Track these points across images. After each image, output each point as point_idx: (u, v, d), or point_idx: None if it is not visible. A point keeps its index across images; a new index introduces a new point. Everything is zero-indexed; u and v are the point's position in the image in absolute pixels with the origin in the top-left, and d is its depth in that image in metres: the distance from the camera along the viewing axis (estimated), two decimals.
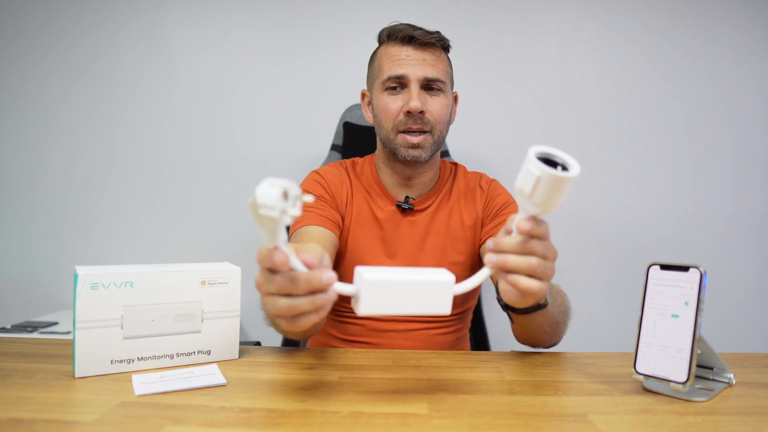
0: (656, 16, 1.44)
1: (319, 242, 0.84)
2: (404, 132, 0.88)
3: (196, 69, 1.47)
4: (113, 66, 1.48)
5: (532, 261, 0.50)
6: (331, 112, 1.41)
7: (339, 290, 0.47)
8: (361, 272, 0.47)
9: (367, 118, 0.98)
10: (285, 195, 0.41)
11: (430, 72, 0.88)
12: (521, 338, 0.76)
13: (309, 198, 0.43)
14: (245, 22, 1.46)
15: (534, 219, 0.50)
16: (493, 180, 1.00)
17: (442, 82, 0.89)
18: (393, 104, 0.88)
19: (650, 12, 1.44)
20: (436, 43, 0.90)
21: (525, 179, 0.48)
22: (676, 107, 1.46)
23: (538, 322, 0.68)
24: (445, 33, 0.94)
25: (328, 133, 1.40)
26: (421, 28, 0.90)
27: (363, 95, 1.00)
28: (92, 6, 1.46)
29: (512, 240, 0.51)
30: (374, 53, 0.96)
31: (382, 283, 0.47)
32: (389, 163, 0.94)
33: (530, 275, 0.51)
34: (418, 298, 0.48)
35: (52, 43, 1.48)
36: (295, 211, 0.42)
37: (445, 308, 0.49)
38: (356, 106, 1.21)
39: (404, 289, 0.48)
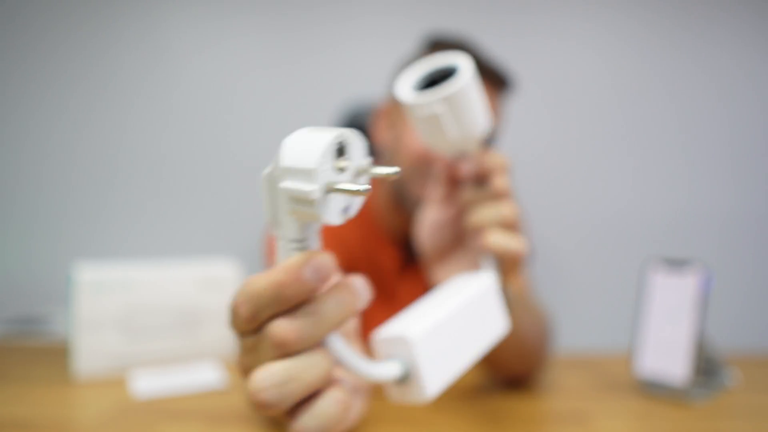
0: (658, 19, 1.44)
1: None
2: (429, 181, 0.69)
3: (196, 68, 1.47)
4: (113, 66, 1.47)
5: (501, 210, 0.37)
6: (330, 110, 1.41)
7: (372, 375, 0.25)
8: (394, 336, 0.27)
9: (380, 141, 0.77)
10: (340, 152, 0.21)
11: (491, 122, 0.70)
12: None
13: (391, 170, 0.22)
14: (245, 22, 1.46)
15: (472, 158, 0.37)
16: None
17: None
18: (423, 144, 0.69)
19: (652, 16, 1.44)
20: (508, 83, 0.72)
21: (426, 130, 0.34)
22: (677, 107, 1.46)
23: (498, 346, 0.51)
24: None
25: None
26: (488, 59, 0.70)
27: (384, 113, 0.76)
28: (91, 9, 1.46)
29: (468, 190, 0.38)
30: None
31: (435, 335, 0.28)
32: (394, 205, 0.77)
33: (505, 227, 0.37)
34: (474, 330, 0.31)
35: (52, 45, 1.48)
36: (345, 203, 0.22)
37: (504, 324, 0.34)
38: (357, 108, 1.21)
39: (458, 326, 0.30)
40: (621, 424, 0.47)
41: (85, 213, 1.48)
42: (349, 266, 0.77)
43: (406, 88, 0.35)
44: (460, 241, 0.43)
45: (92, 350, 0.57)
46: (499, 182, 0.37)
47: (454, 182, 0.40)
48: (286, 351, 0.21)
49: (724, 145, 1.46)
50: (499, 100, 0.75)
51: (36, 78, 1.47)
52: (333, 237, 0.76)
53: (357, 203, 0.22)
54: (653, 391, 0.56)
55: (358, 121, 1.18)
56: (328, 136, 0.20)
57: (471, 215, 0.38)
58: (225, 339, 0.65)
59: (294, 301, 0.21)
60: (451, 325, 0.29)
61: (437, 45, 0.72)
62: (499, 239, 0.37)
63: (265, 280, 0.21)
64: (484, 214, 0.37)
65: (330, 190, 0.20)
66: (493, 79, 0.71)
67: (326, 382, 0.23)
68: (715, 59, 1.45)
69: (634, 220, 1.46)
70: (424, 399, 0.26)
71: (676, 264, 0.57)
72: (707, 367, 0.60)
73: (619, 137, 1.46)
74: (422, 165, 0.68)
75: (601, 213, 1.46)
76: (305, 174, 0.20)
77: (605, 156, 1.46)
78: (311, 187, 0.20)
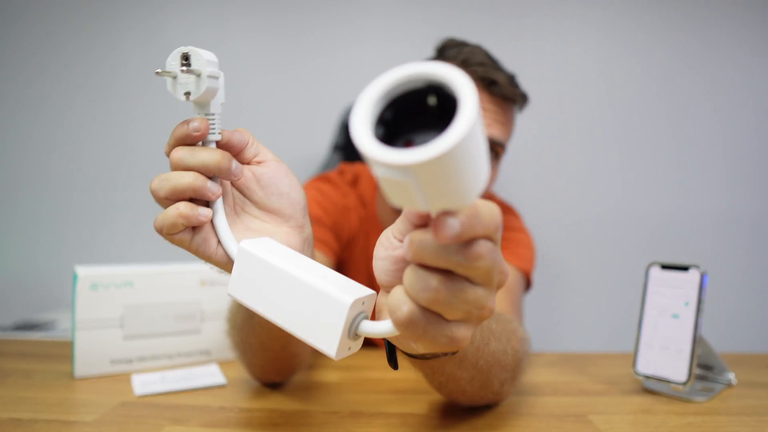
0: (655, 21, 1.44)
1: None
2: None
3: None
4: (115, 69, 1.48)
5: (429, 283, 0.26)
6: (331, 111, 1.41)
7: (223, 235, 0.37)
8: (245, 241, 0.36)
9: None
10: (185, 60, 0.35)
11: (499, 134, 0.70)
12: (429, 384, 0.46)
13: (216, 81, 0.36)
14: (245, 24, 1.46)
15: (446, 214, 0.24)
16: (516, 224, 0.83)
17: (503, 146, 0.73)
18: None
19: (649, 17, 1.44)
20: (518, 99, 0.72)
21: (394, 195, 0.23)
22: (675, 110, 1.46)
23: (446, 372, 0.41)
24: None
25: (328, 133, 1.40)
26: (502, 68, 0.70)
27: None
28: (95, 12, 1.47)
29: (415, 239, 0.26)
30: None
31: (258, 263, 0.34)
32: (395, 213, 0.78)
33: (428, 309, 0.27)
34: (300, 312, 0.32)
35: (57, 48, 1.48)
36: (193, 87, 0.35)
37: (329, 345, 0.31)
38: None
39: (284, 285, 0.33)
40: (621, 424, 0.47)
41: (88, 218, 1.48)
42: (345, 244, 0.80)
43: (364, 120, 0.22)
44: None
45: (92, 350, 0.57)
46: (479, 251, 0.25)
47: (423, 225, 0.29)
48: (174, 167, 0.36)
49: (721, 147, 1.46)
50: (512, 114, 0.74)
51: (39, 82, 1.47)
52: (335, 208, 0.79)
53: (197, 92, 0.35)
54: (653, 390, 0.56)
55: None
56: (180, 48, 0.35)
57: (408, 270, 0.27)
58: (225, 339, 0.65)
59: (182, 141, 0.36)
60: (276, 273, 0.33)
61: (448, 47, 0.72)
62: (394, 299, 0.28)
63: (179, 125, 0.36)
64: (412, 279, 0.27)
65: (168, 75, 0.35)
66: (512, 96, 0.71)
67: (189, 194, 0.35)
68: (710, 62, 1.45)
69: (633, 222, 1.46)
70: (228, 292, 0.36)
71: (675, 266, 0.57)
72: (706, 366, 0.60)
73: (617, 140, 1.46)
74: None
75: (600, 215, 1.46)
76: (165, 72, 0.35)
77: (603, 158, 1.46)
78: (158, 70, 0.35)
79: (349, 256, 0.80)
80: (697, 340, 0.54)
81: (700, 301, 0.55)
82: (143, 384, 0.54)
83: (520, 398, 0.53)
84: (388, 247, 0.31)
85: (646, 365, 0.56)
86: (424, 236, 0.26)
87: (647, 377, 0.56)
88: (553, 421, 0.48)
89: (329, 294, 0.31)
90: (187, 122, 0.35)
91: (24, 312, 1.44)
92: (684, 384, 0.53)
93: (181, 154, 0.35)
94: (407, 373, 0.61)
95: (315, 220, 0.76)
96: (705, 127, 1.46)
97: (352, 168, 0.89)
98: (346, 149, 1.18)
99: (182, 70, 0.35)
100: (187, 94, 0.35)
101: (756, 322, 1.46)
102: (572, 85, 1.45)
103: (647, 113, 1.46)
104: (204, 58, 0.35)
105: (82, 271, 0.57)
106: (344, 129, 1.19)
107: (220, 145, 0.37)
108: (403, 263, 0.31)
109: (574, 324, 1.45)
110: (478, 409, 0.50)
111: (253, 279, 0.34)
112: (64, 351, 0.66)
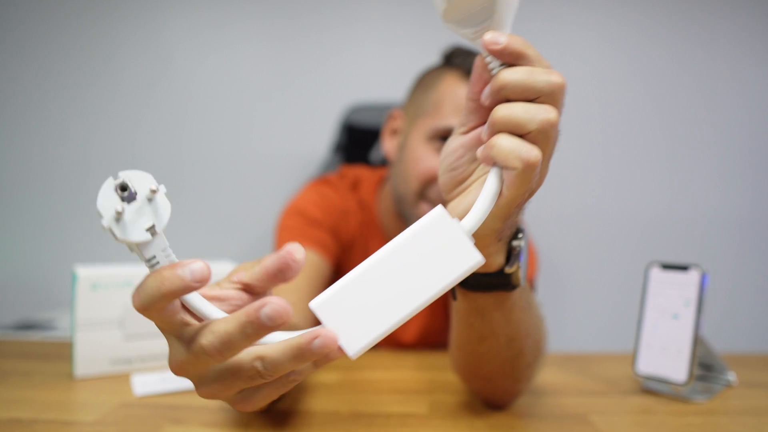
0: (652, 24, 1.44)
1: (304, 273, 0.65)
2: (429, 202, 0.67)
3: (197, 72, 1.47)
4: (116, 71, 1.48)
5: (513, 109, 0.29)
6: (331, 112, 1.41)
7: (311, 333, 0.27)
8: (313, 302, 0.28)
9: (385, 150, 0.80)
10: (123, 191, 0.26)
11: None
12: (460, 360, 0.48)
13: (163, 200, 0.27)
14: (246, 25, 1.46)
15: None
16: None
17: None
18: (431, 162, 0.65)
19: (646, 20, 1.44)
20: None
21: None
22: (673, 111, 1.46)
23: (493, 319, 0.42)
24: (443, 42, 0.81)
25: (328, 133, 1.40)
26: None
27: (392, 117, 0.79)
28: (97, 15, 1.47)
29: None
30: (433, 76, 0.71)
31: (342, 297, 0.28)
32: (396, 218, 0.78)
33: (512, 130, 0.29)
34: (419, 274, 0.28)
35: (58, 50, 1.48)
36: (152, 217, 0.26)
37: (472, 256, 0.28)
38: (358, 108, 1.21)
39: (386, 274, 0.28)
40: (621, 424, 0.47)
41: (88, 217, 1.48)
42: (344, 248, 0.79)
43: None
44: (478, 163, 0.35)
45: (92, 350, 0.57)
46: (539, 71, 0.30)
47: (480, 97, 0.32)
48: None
49: (719, 147, 1.46)
50: None
51: (40, 85, 1.47)
52: (335, 211, 0.79)
53: (163, 219, 0.27)
54: (653, 390, 0.56)
55: (357, 124, 1.18)
56: (107, 181, 0.26)
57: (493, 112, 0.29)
58: None
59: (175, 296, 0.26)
60: (370, 279, 0.28)
61: (456, 55, 0.73)
62: (504, 143, 0.29)
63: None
64: (505, 110, 0.29)
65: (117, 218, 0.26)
66: None
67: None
68: (707, 63, 1.45)
69: (633, 222, 1.46)
70: (350, 357, 0.27)
71: (675, 265, 0.57)
72: (706, 366, 0.60)
73: (616, 141, 1.47)
74: (424, 185, 0.68)
75: (599, 215, 1.46)
76: (102, 217, 0.26)
77: (602, 159, 1.46)
78: (103, 222, 0.26)
79: (348, 260, 0.80)
80: (697, 340, 0.54)
81: (700, 301, 0.55)
82: (143, 384, 0.54)
83: (521, 398, 0.53)
84: (450, 145, 0.34)
85: (646, 365, 0.56)
86: (498, 75, 0.31)
87: (647, 377, 0.56)
88: (553, 421, 0.48)
89: (425, 228, 0.28)
90: (180, 268, 0.25)
91: (24, 311, 1.44)
92: (684, 384, 0.53)
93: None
94: (407, 373, 0.61)
95: (314, 222, 0.76)
96: (702, 127, 1.46)
97: (352, 171, 0.89)
98: (346, 150, 1.18)
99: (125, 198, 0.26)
100: (151, 228, 0.27)
101: (756, 322, 1.46)
102: (570, 87, 1.45)
103: (647, 114, 1.46)
104: (146, 180, 0.27)
105: (82, 271, 0.57)
106: (345, 129, 1.18)
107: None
108: (465, 145, 0.34)
109: (574, 324, 1.45)
110: (478, 410, 0.50)
111: (353, 313, 0.28)
112: (64, 351, 0.66)
